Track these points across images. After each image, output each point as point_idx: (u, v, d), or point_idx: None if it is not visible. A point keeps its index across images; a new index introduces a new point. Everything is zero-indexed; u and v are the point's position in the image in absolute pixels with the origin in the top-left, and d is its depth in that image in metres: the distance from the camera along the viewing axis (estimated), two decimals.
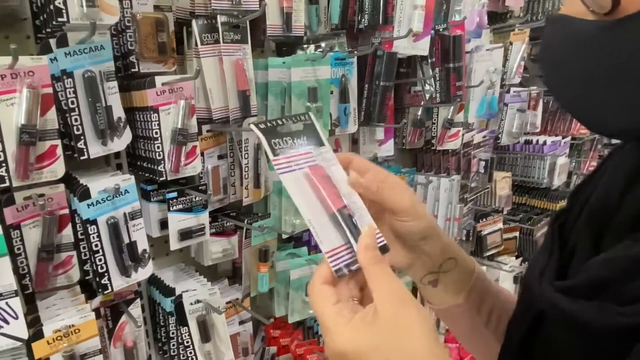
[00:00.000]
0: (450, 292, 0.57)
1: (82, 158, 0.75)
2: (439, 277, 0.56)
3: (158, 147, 0.83)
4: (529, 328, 0.45)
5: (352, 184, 0.46)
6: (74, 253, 0.80)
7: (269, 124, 0.46)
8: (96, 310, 0.83)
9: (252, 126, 0.45)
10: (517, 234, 1.94)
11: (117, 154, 0.91)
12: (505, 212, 1.89)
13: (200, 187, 0.91)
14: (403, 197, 0.49)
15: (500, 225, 1.82)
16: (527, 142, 1.98)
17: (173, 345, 0.96)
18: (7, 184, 0.68)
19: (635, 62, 0.32)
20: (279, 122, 0.46)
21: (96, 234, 0.77)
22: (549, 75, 0.41)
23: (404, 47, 1.22)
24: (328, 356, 0.39)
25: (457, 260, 0.56)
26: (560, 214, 0.50)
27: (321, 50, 1.07)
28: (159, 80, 0.80)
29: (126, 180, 0.79)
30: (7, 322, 0.68)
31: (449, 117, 1.47)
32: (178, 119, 0.84)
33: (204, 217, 0.93)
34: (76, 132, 0.74)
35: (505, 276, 1.75)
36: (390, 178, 0.50)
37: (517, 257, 1.93)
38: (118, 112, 0.78)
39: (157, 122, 0.82)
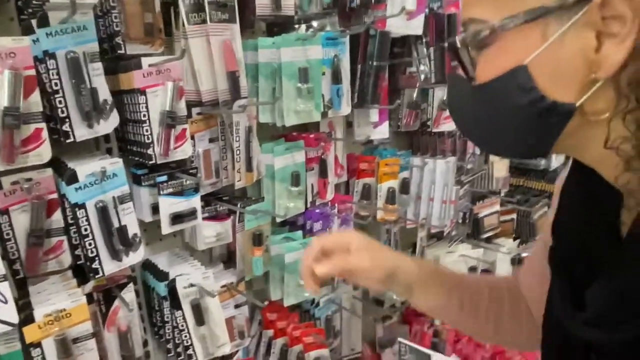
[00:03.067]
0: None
1: (67, 141, 0.74)
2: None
3: (147, 130, 0.82)
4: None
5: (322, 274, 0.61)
6: (65, 238, 0.79)
7: None
8: (89, 295, 0.83)
9: None
10: (514, 216, 1.93)
11: (107, 138, 0.90)
12: (502, 194, 1.89)
13: (190, 171, 0.91)
14: (362, 259, 0.62)
15: (497, 207, 1.81)
16: None
17: (168, 329, 0.97)
18: None
19: (486, 112, 0.45)
20: None
21: (85, 218, 0.76)
22: (455, 119, 0.51)
23: (397, 27, 1.20)
24: None
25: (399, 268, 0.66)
26: (553, 251, 0.54)
27: (312, 30, 1.05)
28: (145, 61, 0.79)
29: (114, 164, 0.78)
30: None
31: (444, 98, 1.45)
32: (166, 101, 0.82)
33: (195, 201, 0.92)
34: (61, 115, 0.73)
35: (502, 258, 1.75)
36: (352, 245, 0.63)
37: (514, 239, 1.93)
38: (104, 94, 0.77)
39: (145, 105, 0.80)
